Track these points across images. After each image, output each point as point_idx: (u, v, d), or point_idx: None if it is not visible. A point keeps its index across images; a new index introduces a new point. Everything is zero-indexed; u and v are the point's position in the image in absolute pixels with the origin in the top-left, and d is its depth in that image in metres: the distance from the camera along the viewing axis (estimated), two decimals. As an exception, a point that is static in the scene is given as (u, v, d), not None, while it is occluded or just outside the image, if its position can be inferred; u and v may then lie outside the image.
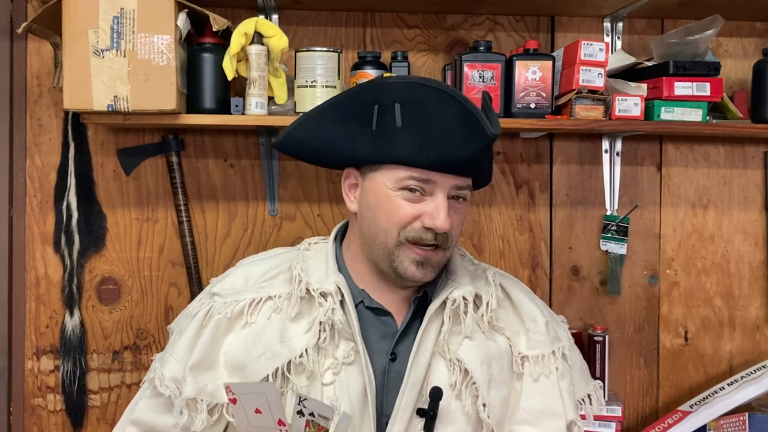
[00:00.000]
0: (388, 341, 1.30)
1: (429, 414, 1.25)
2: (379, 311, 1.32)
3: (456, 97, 1.21)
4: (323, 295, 1.29)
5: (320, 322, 1.27)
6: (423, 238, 1.24)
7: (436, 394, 1.26)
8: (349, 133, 1.27)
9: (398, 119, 1.22)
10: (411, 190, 1.23)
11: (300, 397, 1.10)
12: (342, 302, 1.29)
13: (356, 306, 1.30)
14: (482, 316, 1.34)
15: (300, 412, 1.09)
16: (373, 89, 1.26)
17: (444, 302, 1.31)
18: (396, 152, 1.23)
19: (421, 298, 1.33)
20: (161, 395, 1.32)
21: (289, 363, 1.26)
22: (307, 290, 1.30)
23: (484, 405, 1.28)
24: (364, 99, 1.26)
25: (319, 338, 1.27)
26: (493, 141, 1.21)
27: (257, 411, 1.09)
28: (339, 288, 1.29)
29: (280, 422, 1.10)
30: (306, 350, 1.26)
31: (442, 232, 1.23)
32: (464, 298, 1.31)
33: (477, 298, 1.35)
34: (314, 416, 1.09)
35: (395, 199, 1.24)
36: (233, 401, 1.10)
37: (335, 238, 1.39)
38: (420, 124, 1.21)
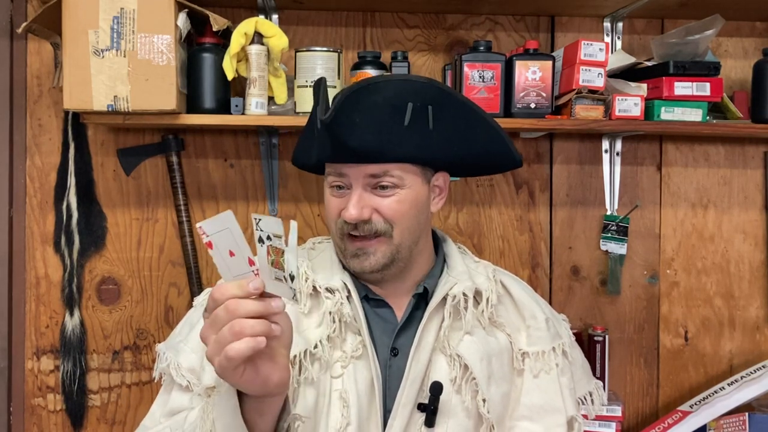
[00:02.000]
0: (389, 336, 1.31)
1: (429, 409, 1.26)
2: (381, 304, 1.33)
3: (316, 89, 1.28)
4: (330, 290, 1.31)
5: (330, 313, 1.29)
6: (344, 229, 1.28)
7: (436, 388, 1.27)
8: (309, 140, 1.35)
9: (319, 121, 1.27)
10: (337, 186, 1.29)
11: (255, 219, 0.99)
12: (349, 297, 1.30)
13: (361, 300, 1.31)
14: (482, 312, 1.35)
15: (260, 240, 1.00)
16: (314, 97, 1.33)
17: (444, 298, 1.32)
18: (316, 151, 1.30)
19: (421, 294, 1.33)
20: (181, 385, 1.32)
21: (305, 351, 1.27)
22: (314, 288, 1.32)
23: (483, 400, 1.28)
24: (314, 108, 1.33)
25: (330, 330, 1.28)
26: (332, 126, 1.21)
27: (231, 254, 1.00)
28: (345, 284, 1.31)
29: (250, 261, 1.00)
30: (320, 341, 1.27)
31: (352, 221, 1.25)
32: (464, 294, 1.32)
33: (477, 294, 1.36)
34: (270, 239, 0.99)
35: (328, 197, 1.31)
36: (209, 246, 1.01)
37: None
38: (329, 123, 1.25)
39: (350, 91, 1.23)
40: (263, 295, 0.99)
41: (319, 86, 1.29)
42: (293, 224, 0.98)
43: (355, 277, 1.34)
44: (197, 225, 1.01)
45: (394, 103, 1.22)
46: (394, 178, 1.26)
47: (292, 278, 0.98)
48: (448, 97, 1.27)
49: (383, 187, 1.26)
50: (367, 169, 1.25)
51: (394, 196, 1.27)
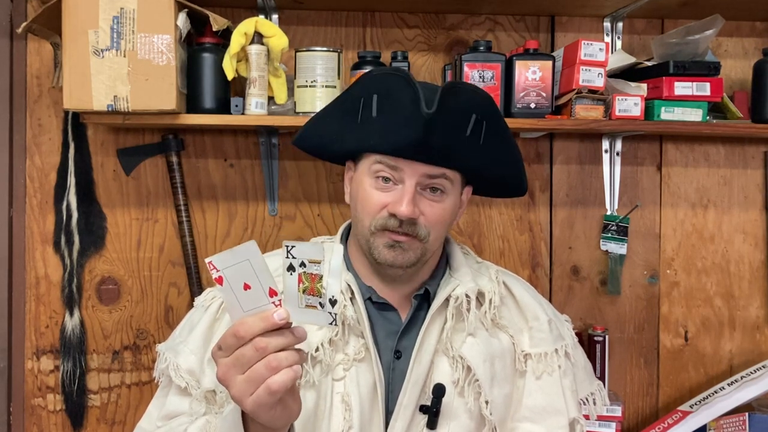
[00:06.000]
0: (392, 338, 1.31)
1: (432, 411, 1.25)
2: (385, 306, 1.32)
3: (409, 80, 1.23)
4: None
5: None
6: (387, 224, 1.24)
7: (438, 390, 1.26)
8: (343, 126, 1.30)
9: (374, 109, 1.24)
10: (383, 179, 1.25)
11: (287, 247, 0.97)
12: (352, 299, 1.29)
13: (364, 302, 1.31)
14: (485, 313, 1.34)
15: (290, 268, 0.97)
16: (361, 83, 1.29)
17: (447, 300, 1.32)
18: (368, 140, 1.26)
19: (423, 296, 1.33)
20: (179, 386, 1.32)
21: (307, 354, 1.25)
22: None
23: (486, 402, 1.28)
24: (355, 93, 1.28)
25: (332, 333, 1.27)
26: (431, 121, 1.18)
27: (246, 287, 0.97)
28: (349, 285, 1.30)
29: (272, 292, 0.97)
30: (322, 344, 1.26)
31: (405, 218, 1.22)
32: (467, 296, 1.32)
33: (480, 296, 1.35)
34: (305, 266, 0.97)
35: (369, 189, 1.26)
36: (219, 281, 0.98)
37: (342, 238, 1.39)
38: (389, 112, 1.23)
39: (444, 90, 1.20)
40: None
41: (409, 75, 1.24)
42: (339, 248, 0.97)
43: (382, 274, 1.32)
44: (207, 260, 0.98)
45: (463, 110, 1.22)
46: (447, 182, 1.25)
47: (333, 303, 0.97)
48: (498, 117, 1.27)
49: (433, 190, 1.25)
50: (427, 169, 1.23)
51: (441, 203, 1.26)
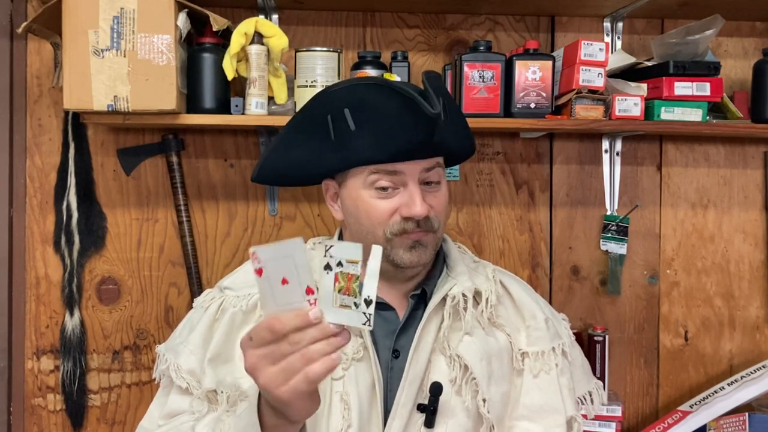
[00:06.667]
0: (390, 338, 1.31)
1: (429, 409, 1.26)
2: (383, 306, 1.32)
3: (393, 87, 1.23)
4: None
5: None
6: (406, 228, 1.26)
7: (436, 389, 1.27)
8: (314, 149, 1.29)
9: (351, 123, 1.24)
10: (383, 188, 1.26)
11: (326, 246, 0.99)
12: None
13: None
14: (482, 312, 1.35)
15: (327, 266, 0.98)
16: (321, 101, 1.28)
17: (444, 299, 1.32)
18: (357, 155, 1.25)
19: (419, 296, 1.33)
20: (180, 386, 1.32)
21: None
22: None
23: (484, 400, 1.29)
24: (317, 113, 1.28)
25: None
26: (437, 119, 1.20)
27: (284, 281, 0.97)
28: None
29: (309, 290, 0.98)
30: None
31: (421, 217, 1.24)
32: (464, 295, 1.32)
33: (477, 295, 1.36)
34: (342, 265, 0.98)
35: (370, 200, 1.27)
36: (259, 273, 0.97)
37: (339, 239, 1.40)
38: (371, 122, 1.23)
39: (433, 88, 1.23)
40: None
41: (387, 81, 1.25)
42: (378, 248, 0.98)
43: (386, 276, 1.30)
44: (251, 250, 0.97)
45: (437, 97, 1.24)
46: (440, 169, 1.29)
47: (369, 303, 0.97)
48: (446, 91, 1.31)
49: (428, 183, 1.28)
50: (424, 164, 1.26)
51: (441, 191, 1.30)
